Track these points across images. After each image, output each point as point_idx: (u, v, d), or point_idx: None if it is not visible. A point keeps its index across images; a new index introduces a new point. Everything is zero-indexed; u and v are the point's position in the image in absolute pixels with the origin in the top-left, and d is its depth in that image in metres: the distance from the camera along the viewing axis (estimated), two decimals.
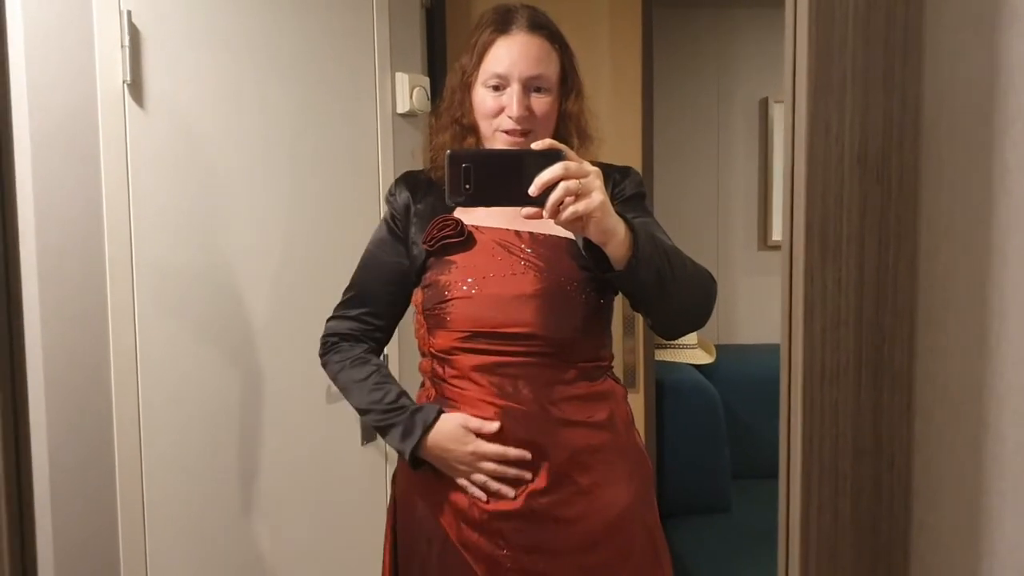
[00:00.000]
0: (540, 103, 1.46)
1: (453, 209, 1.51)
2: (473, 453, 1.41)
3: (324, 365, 1.62)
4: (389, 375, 1.55)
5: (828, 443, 0.80)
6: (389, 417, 1.48)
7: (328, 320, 1.62)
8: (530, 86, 1.45)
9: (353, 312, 1.60)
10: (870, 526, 0.82)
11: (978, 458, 0.81)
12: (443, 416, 1.45)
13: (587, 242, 1.26)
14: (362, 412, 1.55)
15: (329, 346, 1.60)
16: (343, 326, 1.60)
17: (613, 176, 1.53)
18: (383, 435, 1.51)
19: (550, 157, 1.19)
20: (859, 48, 0.77)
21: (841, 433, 0.80)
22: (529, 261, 1.45)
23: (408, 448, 1.44)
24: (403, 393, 1.51)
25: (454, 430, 1.43)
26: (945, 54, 0.81)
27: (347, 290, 1.63)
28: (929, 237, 0.84)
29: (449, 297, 1.45)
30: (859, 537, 0.82)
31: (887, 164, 0.79)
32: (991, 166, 0.79)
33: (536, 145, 1.21)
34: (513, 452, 1.41)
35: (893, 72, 0.79)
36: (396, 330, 1.66)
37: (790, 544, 0.80)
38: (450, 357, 1.48)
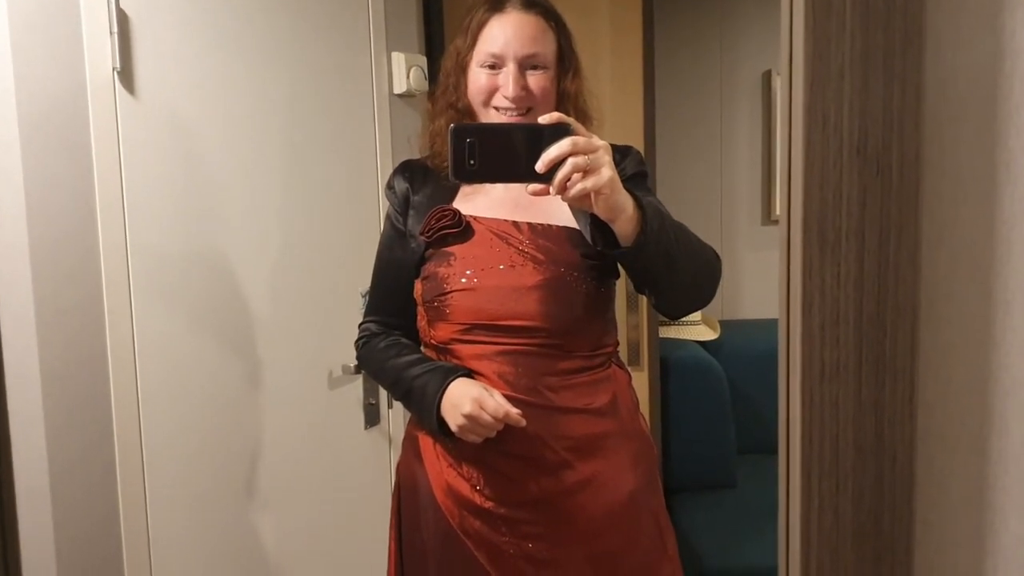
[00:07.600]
0: (537, 80, 1.43)
1: (451, 199, 1.49)
2: (476, 400, 1.33)
3: (360, 364, 1.63)
4: (419, 350, 1.54)
5: (828, 441, 0.78)
6: (425, 368, 1.45)
7: (359, 324, 1.63)
8: (526, 64, 1.43)
9: (374, 316, 1.60)
10: (872, 525, 0.80)
11: (983, 454, 0.80)
12: (470, 380, 1.40)
13: (594, 219, 1.23)
14: (395, 384, 1.51)
15: (361, 345, 1.61)
16: (371, 328, 1.60)
17: (614, 156, 1.50)
18: (412, 400, 1.47)
19: (558, 132, 1.14)
20: (858, 34, 0.74)
21: (842, 431, 0.78)
22: (528, 252, 1.42)
23: (438, 391, 1.40)
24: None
25: (476, 385, 1.38)
26: (947, 40, 0.78)
27: (368, 293, 1.64)
28: (931, 229, 0.82)
29: (448, 290, 1.43)
30: (861, 537, 0.80)
31: (887, 155, 0.76)
32: (995, 154, 0.76)
33: (543, 119, 1.16)
34: (514, 413, 1.34)
35: (893, 59, 0.76)
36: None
37: (790, 545, 0.78)
38: (450, 347, 1.46)
